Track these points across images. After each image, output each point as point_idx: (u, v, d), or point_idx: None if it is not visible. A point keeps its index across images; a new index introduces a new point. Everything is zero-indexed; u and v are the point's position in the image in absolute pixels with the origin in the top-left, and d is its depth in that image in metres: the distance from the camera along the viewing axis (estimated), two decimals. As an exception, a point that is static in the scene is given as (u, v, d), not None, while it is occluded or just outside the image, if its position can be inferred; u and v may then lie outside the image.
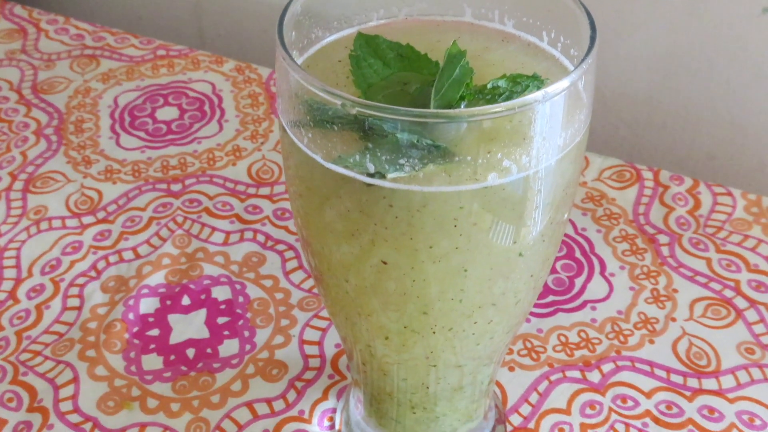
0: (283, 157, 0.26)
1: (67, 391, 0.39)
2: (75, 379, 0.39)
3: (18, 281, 0.44)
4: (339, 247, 0.25)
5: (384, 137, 0.22)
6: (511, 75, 0.24)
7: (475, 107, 0.22)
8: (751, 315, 0.42)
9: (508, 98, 0.23)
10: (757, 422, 0.38)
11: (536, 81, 0.24)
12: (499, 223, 0.24)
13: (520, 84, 0.24)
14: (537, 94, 0.22)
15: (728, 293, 0.43)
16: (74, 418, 0.38)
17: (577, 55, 0.26)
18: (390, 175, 0.22)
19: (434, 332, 0.27)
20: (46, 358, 0.41)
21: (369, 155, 0.23)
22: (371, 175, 0.23)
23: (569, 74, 0.22)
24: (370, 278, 0.25)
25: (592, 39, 0.23)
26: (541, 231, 0.25)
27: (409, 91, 0.25)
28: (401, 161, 0.22)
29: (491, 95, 0.24)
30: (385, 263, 0.24)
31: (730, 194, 0.49)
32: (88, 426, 0.38)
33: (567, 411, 0.38)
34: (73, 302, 0.43)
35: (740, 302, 0.43)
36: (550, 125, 0.22)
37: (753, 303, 0.43)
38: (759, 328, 0.42)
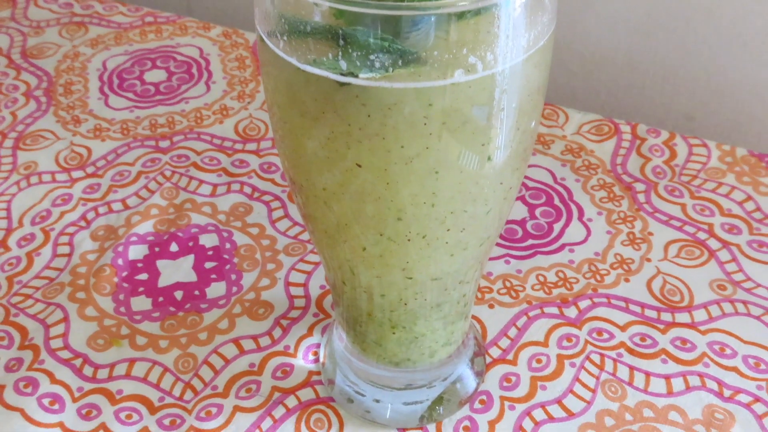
0: (262, 72, 0.27)
1: (57, 330, 0.40)
2: (65, 319, 0.40)
3: (9, 231, 0.45)
4: (316, 154, 0.26)
5: (355, 39, 0.23)
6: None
7: (441, 0, 0.23)
8: (724, 255, 0.44)
9: None
10: (728, 351, 0.39)
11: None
12: (467, 123, 0.25)
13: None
14: (501, -9, 0.23)
15: (702, 235, 0.45)
16: (65, 354, 0.39)
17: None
18: (362, 74, 0.24)
19: (409, 240, 0.28)
20: (37, 300, 0.42)
21: (341, 56, 0.24)
22: (344, 75, 0.24)
23: (531, -26, 0.23)
24: (346, 183, 0.26)
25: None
26: (508, 136, 0.26)
27: None
28: (372, 60, 0.23)
29: None
30: (359, 166, 0.26)
31: (705, 145, 0.50)
32: (78, 362, 0.39)
33: (545, 344, 0.39)
34: (63, 249, 0.44)
35: (713, 243, 0.44)
36: (514, 25, 0.24)
37: (726, 244, 0.44)
38: (731, 267, 0.43)
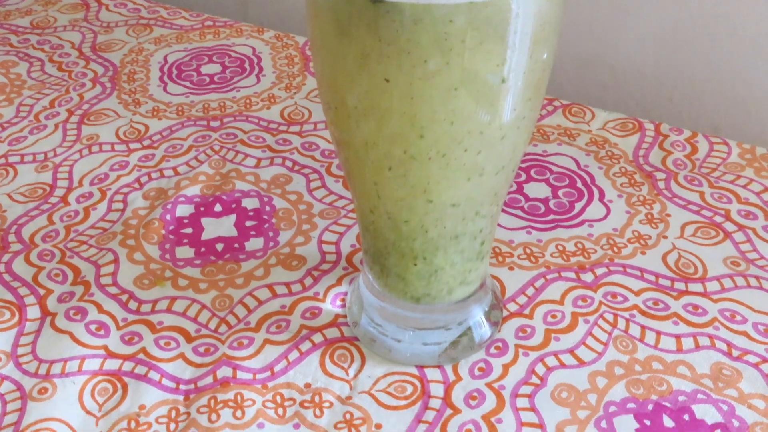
0: (306, 4, 0.31)
1: (107, 269, 0.43)
2: (115, 261, 0.44)
3: (69, 189, 0.49)
4: (350, 72, 0.29)
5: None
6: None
7: None
8: (739, 236, 0.45)
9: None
10: (738, 318, 0.40)
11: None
12: (484, 42, 0.28)
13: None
14: None
15: (718, 219, 0.46)
16: (113, 290, 0.42)
17: None
18: (392, -8, 0.27)
19: (430, 158, 0.31)
20: (90, 246, 0.45)
21: (375, -23, 0.27)
22: (376, -8, 0.27)
23: None
24: (374, 100, 0.29)
25: None
26: (521, 61, 0.29)
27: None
28: (402, -21, 0.27)
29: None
30: (387, 81, 0.29)
31: (725, 143, 0.52)
32: (124, 297, 0.42)
33: (560, 302, 0.41)
34: (117, 206, 0.48)
35: (729, 226, 0.46)
36: (527, -49, 0.27)
37: (741, 227, 0.46)
38: (746, 247, 0.45)
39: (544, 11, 0.29)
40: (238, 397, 0.37)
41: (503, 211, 0.47)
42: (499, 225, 0.46)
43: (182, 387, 0.37)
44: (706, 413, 0.36)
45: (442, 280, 0.36)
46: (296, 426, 0.36)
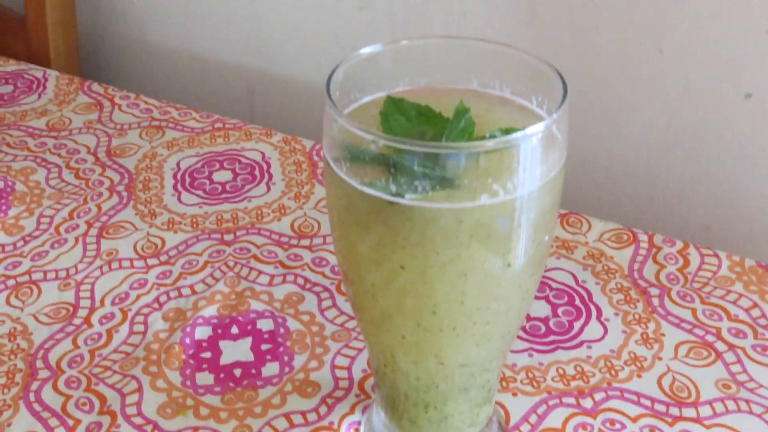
0: (326, 189, 0.34)
1: (132, 399, 0.46)
2: (139, 389, 0.46)
3: (92, 310, 0.52)
4: (367, 256, 0.32)
5: (403, 168, 0.30)
6: (505, 128, 0.32)
7: (472, 142, 0.29)
8: (729, 356, 0.48)
9: (499, 140, 0.30)
10: (730, 445, 0.43)
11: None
12: (491, 237, 0.30)
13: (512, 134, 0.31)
14: (519, 134, 0.29)
15: (710, 338, 0.49)
16: (138, 420, 0.45)
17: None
18: (407, 196, 0.30)
19: (441, 330, 0.33)
20: (115, 372, 0.47)
21: (392, 181, 0.30)
22: (394, 195, 0.30)
23: (544, 121, 0.30)
24: (391, 282, 0.32)
25: (564, 97, 0.31)
26: (525, 248, 0.32)
27: (426, 138, 0.32)
28: (416, 185, 0.30)
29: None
30: (402, 267, 0.31)
31: (716, 256, 0.55)
32: (149, 427, 0.44)
33: (562, 430, 0.44)
34: (139, 328, 0.50)
35: (720, 346, 0.49)
36: (530, 159, 0.30)
37: (732, 347, 0.48)
38: (736, 368, 0.47)
39: (545, 204, 0.31)
40: None
41: (506, 330, 0.49)
42: (502, 346, 0.48)
43: None
44: None
45: (453, 425, 0.39)
46: None
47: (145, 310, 0.52)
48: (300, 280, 0.54)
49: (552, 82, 0.33)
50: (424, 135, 0.32)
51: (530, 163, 0.30)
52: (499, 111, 0.35)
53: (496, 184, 0.29)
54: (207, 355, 0.48)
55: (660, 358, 0.48)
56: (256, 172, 0.64)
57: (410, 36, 0.34)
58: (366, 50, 0.33)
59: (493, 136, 0.31)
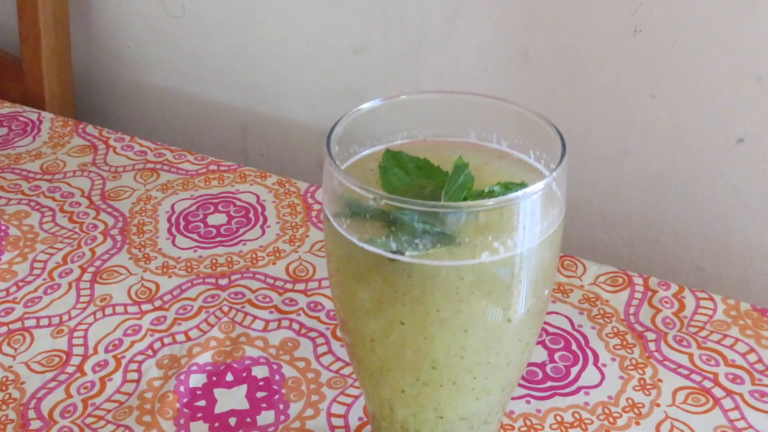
0: (325, 242, 0.34)
1: (125, 450, 0.45)
2: (133, 440, 0.46)
3: (85, 357, 0.51)
4: (367, 311, 0.32)
5: (404, 225, 0.30)
6: (504, 182, 0.32)
7: (472, 201, 0.29)
8: (727, 403, 0.48)
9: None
10: (730, 495, 0.43)
11: (523, 186, 0.31)
12: (491, 293, 0.30)
13: (511, 189, 0.31)
14: (519, 193, 0.29)
15: (707, 384, 0.49)
16: (131, 472, 0.44)
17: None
18: (407, 253, 0.30)
19: (441, 385, 0.33)
20: (108, 422, 0.47)
21: (392, 237, 0.30)
22: (394, 252, 0.30)
23: (544, 179, 0.30)
24: (390, 336, 0.32)
25: (563, 155, 0.31)
26: (525, 303, 0.32)
27: (425, 192, 0.32)
28: (416, 242, 0.30)
29: (487, 196, 0.31)
30: (402, 324, 0.31)
31: (711, 299, 0.55)
32: (142, 480, 0.44)
33: (561, 480, 0.43)
34: (132, 376, 0.50)
35: (718, 392, 0.48)
36: (530, 217, 0.30)
37: (729, 393, 0.48)
38: (734, 414, 0.47)
39: (545, 259, 0.31)
40: None
41: (503, 377, 0.49)
42: (499, 394, 0.48)
43: None
44: None
45: (452, 477, 0.38)
46: None
47: (139, 357, 0.51)
48: (295, 326, 0.53)
49: (550, 137, 0.33)
50: (423, 189, 0.32)
51: (530, 221, 0.30)
52: (497, 164, 0.35)
53: (497, 242, 0.29)
54: (202, 403, 0.48)
55: (658, 405, 0.48)
56: (251, 215, 0.64)
57: (408, 91, 0.35)
58: (366, 105, 0.34)
59: (492, 192, 0.31)
